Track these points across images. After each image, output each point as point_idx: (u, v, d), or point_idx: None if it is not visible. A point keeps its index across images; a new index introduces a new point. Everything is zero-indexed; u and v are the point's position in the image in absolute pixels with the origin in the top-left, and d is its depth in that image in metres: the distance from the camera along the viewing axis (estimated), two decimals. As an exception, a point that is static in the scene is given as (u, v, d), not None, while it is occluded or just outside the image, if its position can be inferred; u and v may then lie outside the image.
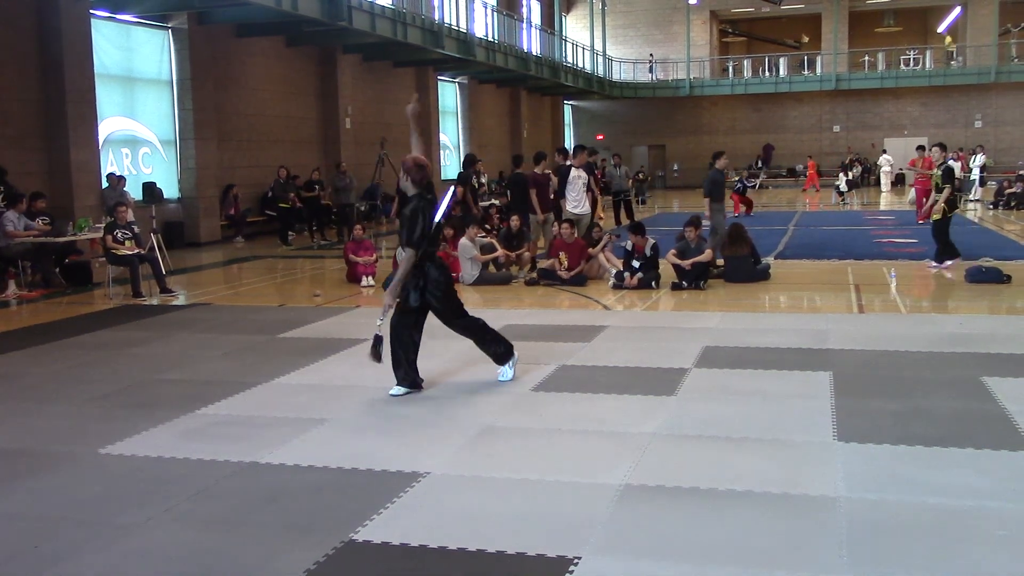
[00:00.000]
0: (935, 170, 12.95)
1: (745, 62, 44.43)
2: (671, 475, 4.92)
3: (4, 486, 5.04)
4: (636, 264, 11.89)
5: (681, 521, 4.33)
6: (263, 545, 4.18)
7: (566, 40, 38.85)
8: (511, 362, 7.09)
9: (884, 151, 37.68)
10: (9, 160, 15.17)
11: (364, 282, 12.70)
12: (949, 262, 12.73)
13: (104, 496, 4.86)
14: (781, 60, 43.28)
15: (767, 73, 42.99)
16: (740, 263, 12.22)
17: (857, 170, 37.90)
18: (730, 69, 44.81)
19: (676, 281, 11.71)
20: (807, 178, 37.62)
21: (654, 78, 43.92)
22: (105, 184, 16.70)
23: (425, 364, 7.67)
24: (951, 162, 15.27)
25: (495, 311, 10.45)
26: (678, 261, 11.78)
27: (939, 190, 12.79)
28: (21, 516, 4.60)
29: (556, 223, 13.26)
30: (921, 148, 21.13)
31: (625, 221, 20.49)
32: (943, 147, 13.70)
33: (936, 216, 12.81)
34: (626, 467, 5.06)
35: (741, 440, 5.53)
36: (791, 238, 18.04)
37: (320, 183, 20.87)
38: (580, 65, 39.46)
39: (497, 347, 7.07)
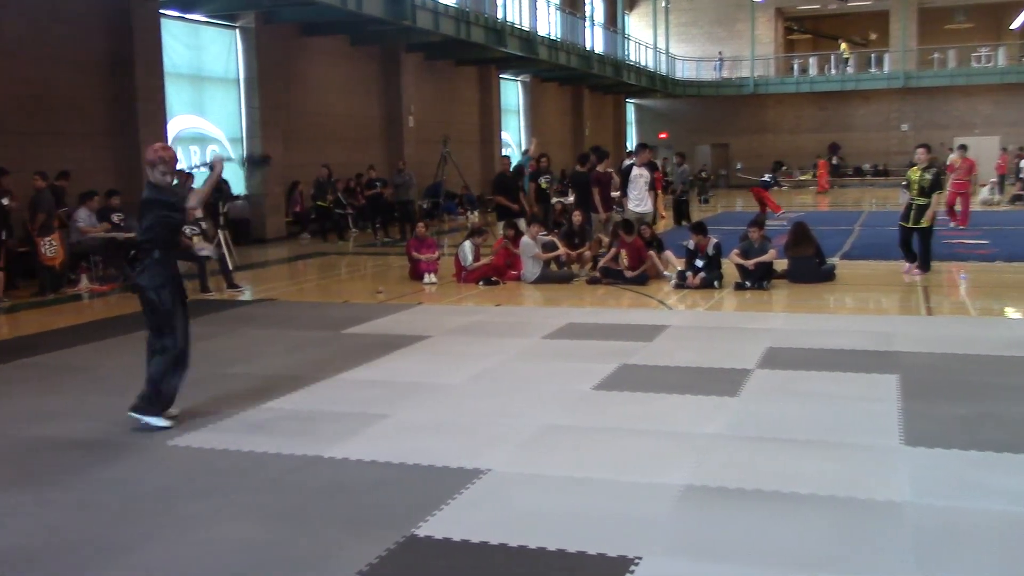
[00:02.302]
0: (925, 174, 12.30)
1: (810, 60, 43.78)
2: (733, 477, 4.88)
3: (77, 475, 5.17)
4: (699, 264, 11.80)
5: (743, 523, 4.29)
6: (326, 539, 4.23)
7: (628, 38, 38.67)
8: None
9: (951, 150, 36.86)
10: (82, 157, 15.59)
11: (427, 279, 12.77)
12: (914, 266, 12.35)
13: (171, 487, 4.96)
14: (848, 58, 42.55)
15: (833, 71, 42.31)
16: (805, 263, 12.05)
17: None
18: (795, 67, 44.19)
19: (739, 281, 11.59)
20: (818, 179, 36.88)
21: (720, 76, 43.50)
22: (174, 181, 17.00)
23: (484, 362, 7.72)
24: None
25: (556, 309, 10.46)
26: (741, 261, 11.65)
27: (926, 195, 12.20)
28: (92, 505, 4.72)
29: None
30: (963, 148, 20.28)
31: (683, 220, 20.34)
32: (928, 148, 13.01)
33: (926, 223, 12.22)
34: (688, 468, 5.02)
35: (805, 442, 5.45)
36: (857, 238, 17.73)
37: (383, 181, 21.07)
38: (643, 63, 39.25)
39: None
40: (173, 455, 5.51)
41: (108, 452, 5.57)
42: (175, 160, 6.38)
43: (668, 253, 12.84)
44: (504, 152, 31.56)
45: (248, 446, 5.58)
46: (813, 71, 43.01)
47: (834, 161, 41.12)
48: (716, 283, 11.65)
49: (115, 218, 13.85)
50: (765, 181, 24.46)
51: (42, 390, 7.16)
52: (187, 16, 18.29)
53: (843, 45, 43.25)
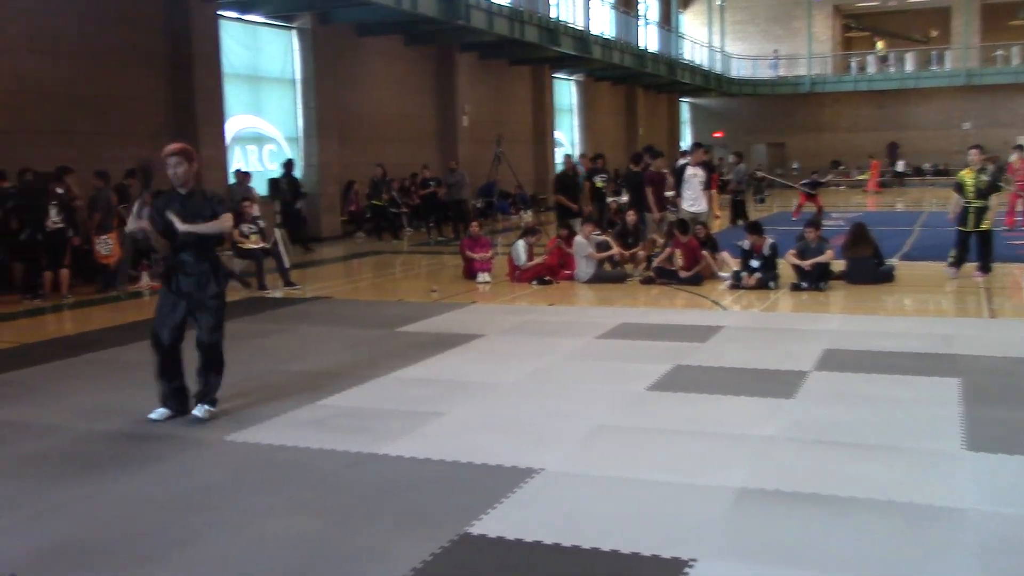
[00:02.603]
0: (981, 176, 12.00)
1: (869, 58, 43.08)
2: (789, 480, 4.81)
3: (138, 469, 5.27)
4: (754, 264, 11.68)
5: (800, 527, 4.24)
6: (380, 535, 4.26)
7: (683, 37, 38.42)
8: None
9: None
10: (142, 156, 15.84)
11: (480, 278, 12.81)
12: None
13: (228, 482, 5.03)
14: (907, 55, 41.81)
15: (892, 69, 41.59)
16: (863, 264, 11.87)
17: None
18: (853, 65, 43.54)
19: (795, 282, 11.45)
20: (869, 178, 36.17)
21: (775, 74, 43.02)
22: (232, 180, 17.29)
23: (538, 361, 7.72)
24: None
25: (609, 309, 10.42)
26: (798, 261, 11.51)
27: (984, 196, 11.93)
28: (152, 498, 4.80)
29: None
30: (1020, 148, 19.64)
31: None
32: (980, 149, 12.70)
33: (986, 226, 11.93)
34: (743, 470, 4.97)
35: (863, 446, 5.36)
36: (917, 239, 17.42)
37: (437, 180, 21.17)
38: (697, 62, 38.96)
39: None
40: (230, 450, 5.58)
41: (166, 447, 5.66)
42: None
43: (724, 254, 12.73)
44: (559, 151, 31.55)
45: (304, 442, 5.64)
46: (872, 69, 42.32)
47: (900, 167, 40.31)
48: (772, 284, 11.53)
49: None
50: (807, 184, 23.92)
51: (104, 385, 7.30)
52: (245, 17, 18.55)
53: (879, 43, 42.53)
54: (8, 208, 11.97)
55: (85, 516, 4.59)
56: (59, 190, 12.24)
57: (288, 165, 18.22)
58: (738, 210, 21.12)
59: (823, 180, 25.83)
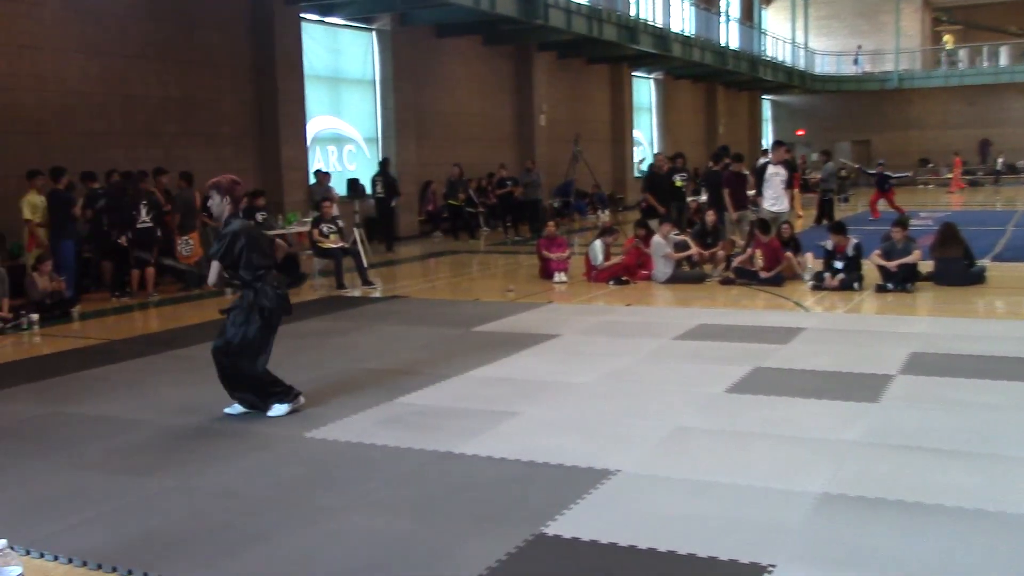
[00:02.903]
0: None
1: (960, 52, 41.84)
2: (873, 486, 4.69)
3: (219, 464, 5.37)
4: (838, 265, 11.43)
5: (883, 534, 4.12)
6: (455, 534, 4.27)
7: (765, 33, 37.83)
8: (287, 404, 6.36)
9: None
10: (227, 157, 16.24)
11: (557, 278, 12.78)
12: None
13: (306, 478, 5.09)
14: (1002, 49, 40.46)
15: (985, 63, 40.31)
16: (952, 265, 11.52)
17: None
18: (942, 60, 42.33)
19: (881, 283, 11.17)
20: (952, 178, 34.98)
21: (860, 70, 42.08)
22: (312, 180, 17.55)
23: (615, 362, 7.66)
24: None
25: (687, 310, 10.30)
26: (883, 262, 11.23)
27: None
28: (232, 493, 4.89)
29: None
30: None
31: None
32: None
33: None
34: (824, 475, 4.86)
35: (951, 452, 5.20)
36: (1010, 239, 16.85)
37: (514, 180, 21.20)
38: (780, 58, 38.32)
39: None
40: (308, 447, 5.66)
41: (247, 443, 5.76)
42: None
43: (809, 255, 12.46)
44: (637, 151, 31.35)
45: (380, 440, 5.69)
46: (963, 64, 41.08)
47: (999, 165, 38.99)
48: (856, 285, 11.27)
49: (259, 217, 14.32)
50: (876, 179, 23.13)
51: (187, 381, 7.47)
52: (326, 20, 18.81)
53: (946, 37, 41.22)
54: (98, 208, 12.33)
55: (169, 509, 4.69)
56: (150, 190, 12.58)
57: (385, 164, 18.56)
58: (824, 210, 20.70)
59: (894, 176, 25.09)
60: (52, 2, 13.54)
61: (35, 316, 10.43)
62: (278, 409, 6.32)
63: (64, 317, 10.86)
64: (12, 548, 2.13)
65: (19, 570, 2.10)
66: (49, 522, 4.51)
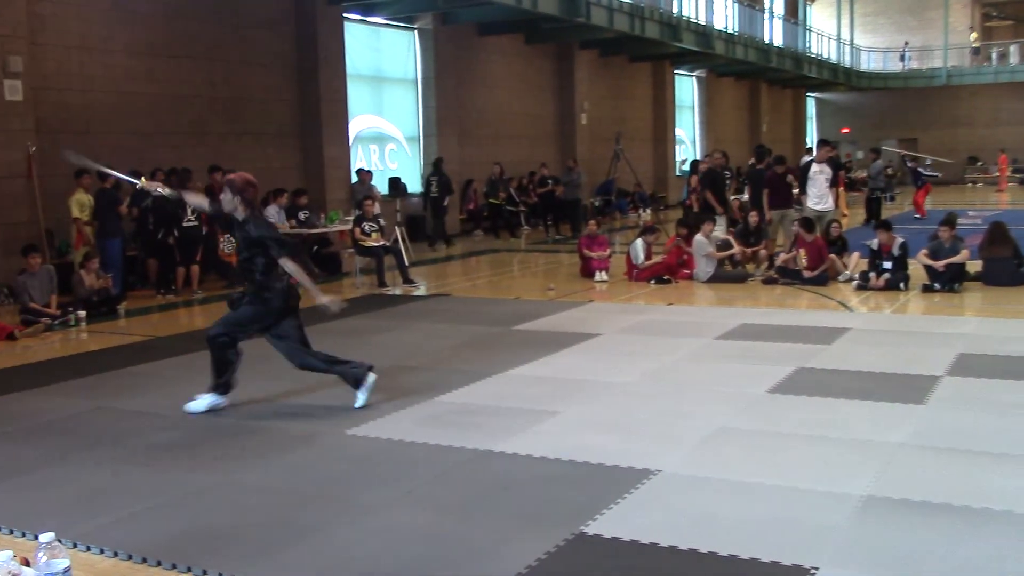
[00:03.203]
0: None
1: (1011, 47, 41.07)
2: (919, 489, 4.62)
3: (262, 460, 5.42)
4: (883, 264, 11.28)
5: (929, 538, 4.05)
6: (495, 532, 4.27)
7: (810, 30, 37.43)
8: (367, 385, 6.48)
9: None
10: (271, 156, 16.41)
11: (598, 277, 12.75)
12: None
13: (349, 475, 5.12)
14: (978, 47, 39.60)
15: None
16: (1001, 265, 11.32)
17: None
18: (993, 56, 41.57)
19: (927, 283, 11.01)
20: (1000, 175, 34.25)
21: (905, 67, 41.49)
22: (354, 179, 17.66)
23: (655, 361, 7.62)
24: None
25: (730, 309, 10.23)
26: (930, 262, 11.07)
27: None
28: (277, 489, 4.93)
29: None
30: None
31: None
32: None
33: None
34: (869, 477, 4.79)
35: (1000, 456, 5.10)
36: (1060, 238, 16.52)
37: (555, 178, 21.17)
38: (825, 55, 37.90)
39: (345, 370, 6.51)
40: (351, 444, 5.69)
41: (290, 439, 5.80)
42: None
43: (855, 255, 12.27)
44: (680, 149, 31.17)
45: (421, 438, 5.70)
46: (1014, 59, 40.29)
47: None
48: (902, 285, 11.12)
49: (301, 216, 14.47)
50: (912, 176, 22.70)
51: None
52: (368, 19, 18.92)
53: (973, 35, 40.44)
54: (144, 207, 12.50)
55: (213, 504, 4.74)
56: (197, 188, 12.73)
57: (439, 163, 18.75)
58: (873, 208, 20.42)
59: (928, 173, 24.70)
60: (100, 3, 13.75)
61: (82, 313, 10.59)
62: (198, 401, 6.46)
63: (110, 314, 11.02)
64: (60, 541, 2.16)
65: (66, 563, 2.13)
66: (95, 516, 4.58)
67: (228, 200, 6.36)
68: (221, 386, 6.53)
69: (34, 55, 12.71)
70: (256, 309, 6.41)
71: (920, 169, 22.64)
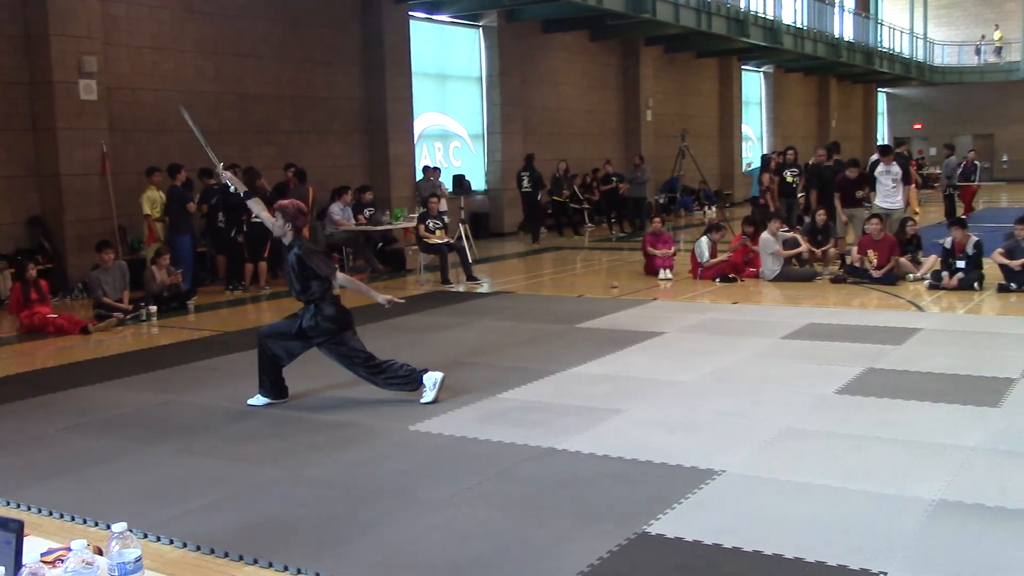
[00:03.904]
0: None
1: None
2: (993, 493, 4.49)
3: (328, 455, 5.48)
4: (957, 263, 11.01)
5: (1003, 544, 3.94)
6: (557, 530, 4.25)
7: (882, 24, 36.69)
8: (431, 384, 6.51)
9: None
10: (336, 153, 16.58)
11: (662, 275, 12.66)
12: None
13: (412, 471, 5.15)
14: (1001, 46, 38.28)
15: None
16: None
17: None
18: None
19: (1003, 283, 10.72)
20: None
21: (982, 60, 40.41)
22: (419, 176, 17.77)
23: (720, 360, 7.53)
24: None
25: (796, 308, 10.07)
26: (1006, 261, 10.78)
27: None
28: (341, 483, 4.98)
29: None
30: None
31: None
32: None
33: None
34: (940, 481, 4.68)
35: (1079, 461, 4.95)
36: None
37: (619, 176, 21.07)
38: (897, 50, 37.12)
39: (402, 380, 6.54)
40: (414, 440, 5.72)
41: (355, 434, 5.86)
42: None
43: (932, 258, 11.98)
44: (746, 145, 30.80)
45: (484, 434, 5.71)
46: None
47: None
48: (976, 284, 10.84)
49: (367, 213, 14.60)
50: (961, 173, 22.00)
51: (296, 374, 7.61)
52: (434, 17, 19.02)
53: (997, 33, 39.10)
54: (213, 204, 12.72)
55: (278, 497, 4.80)
56: (264, 186, 12.92)
57: (530, 159, 19.00)
58: (948, 206, 19.94)
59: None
60: (172, 4, 14.02)
61: (153, 308, 10.82)
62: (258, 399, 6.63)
63: (180, 309, 11.24)
64: (131, 531, 2.20)
65: (138, 552, 2.17)
66: (164, 507, 4.67)
67: (279, 226, 6.50)
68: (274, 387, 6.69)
69: (108, 55, 13.01)
70: (313, 335, 6.55)
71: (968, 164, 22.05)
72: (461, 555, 4.02)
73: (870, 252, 11.76)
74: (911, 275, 11.65)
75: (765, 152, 25.95)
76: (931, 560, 3.84)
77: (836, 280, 11.93)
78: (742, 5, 24.71)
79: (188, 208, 12.41)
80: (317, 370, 7.27)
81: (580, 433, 5.67)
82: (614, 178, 21.01)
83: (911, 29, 38.80)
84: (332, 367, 7.12)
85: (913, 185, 15.85)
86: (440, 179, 17.48)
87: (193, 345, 9.16)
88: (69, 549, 2.17)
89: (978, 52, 40.68)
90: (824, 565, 3.78)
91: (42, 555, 2.32)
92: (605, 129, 24.07)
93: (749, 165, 28.93)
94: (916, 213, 18.77)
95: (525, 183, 18.74)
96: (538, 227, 19.08)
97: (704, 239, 12.77)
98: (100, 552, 2.37)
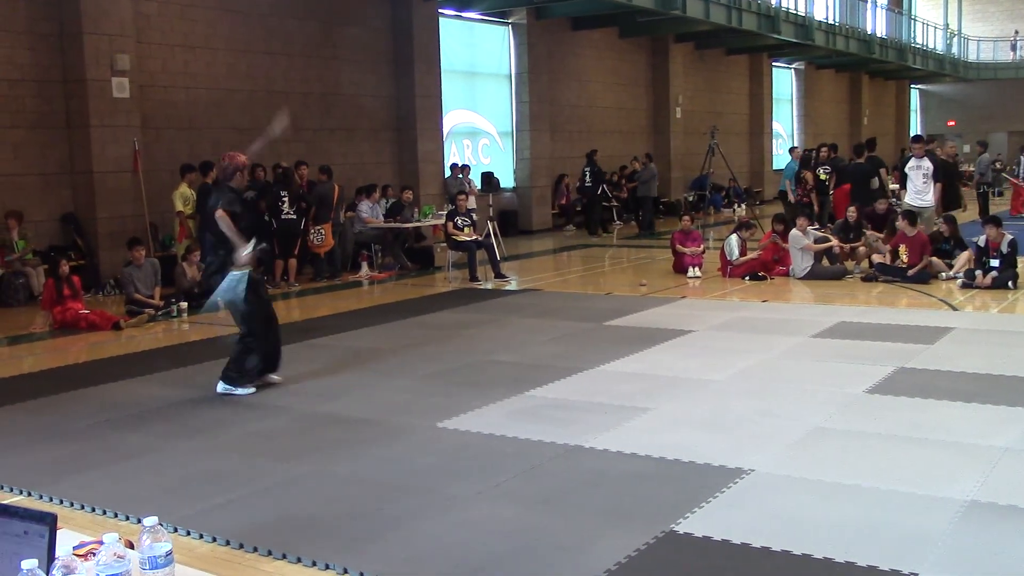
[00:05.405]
0: None
1: None
2: (1027, 495, 4.44)
3: (354, 451, 5.50)
4: (990, 261, 10.87)
5: (1038, 547, 3.89)
6: (585, 528, 4.25)
7: (915, 19, 36.30)
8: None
9: None
10: (365, 151, 16.63)
11: (691, 273, 12.60)
12: None
13: (439, 467, 5.16)
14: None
15: None
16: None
17: None
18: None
19: (1037, 281, 10.59)
20: None
21: (1017, 56, 39.87)
22: (447, 174, 17.79)
23: (749, 359, 7.49)
24: None
25: (826, 307, 10.00)
26: (1040, 259, 10.64)
27: None
28: (368, 480, 5.00)
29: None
30: None
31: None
32: None
33: None
34: (972, 482, 4.63)
35: (1115, 463, 4.87)
36: None
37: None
38: (930, 46, 36.71)
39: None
40: (441, 437, 5.73)
41: (381, 431, 5.88)
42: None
43: (965, 254, 11.82)
44: (776, 142, 30.57)
45: (512, 432, 5.71)
46: None
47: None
48: (1010, 283, 10.71)
49: (405, 214, 14.62)
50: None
51: (327, 370, 7.67)
52: (463, 14, 19.02)
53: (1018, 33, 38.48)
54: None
55: (307, 493, 4.83)
56: (297, 183, 13.00)
57: (591, 154, 19.53)
58: (982, 204, 19.70)
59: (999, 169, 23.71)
60: (204, 2, 14.12)
61: (184, 304, 10.90)
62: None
63: (211, 305, 11.31)
64: (162, 525, 2.22)
65: (168, 546, 2.19)
66: (194, 502, 4.71)
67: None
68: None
69: (140, 53, 13.13)
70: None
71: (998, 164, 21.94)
72: (487, 552, 4.02)
73: (901, 247, 11.64)
74: (943, 274, 11.53)
75: (794, 147, 25.72)
76: (963, 561, 3.80)
77: (867, 279, 11.82)
78: (773, 1, 24.52)
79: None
80: (348, 367, 7.31)
81: (608, 431, 5.65)
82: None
83: (945, 24, 38.34)
84: (362, 365, 7.15)
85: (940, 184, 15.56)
86: (469, 176, 17.51)
87: (222, 341, 9.21)
88: (101, 543, 2.19)
89: (1013, 48, 40.13)
90: (854, 566, 3.75)
91: (74, 548, 2.35)
92: (634, 127, 23.98)
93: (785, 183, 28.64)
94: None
95: (587, 179, 19.38)
96: (597, 222, 19.53)
97: (734, 237, 12.69)
98: (131, 546, 2.39)
